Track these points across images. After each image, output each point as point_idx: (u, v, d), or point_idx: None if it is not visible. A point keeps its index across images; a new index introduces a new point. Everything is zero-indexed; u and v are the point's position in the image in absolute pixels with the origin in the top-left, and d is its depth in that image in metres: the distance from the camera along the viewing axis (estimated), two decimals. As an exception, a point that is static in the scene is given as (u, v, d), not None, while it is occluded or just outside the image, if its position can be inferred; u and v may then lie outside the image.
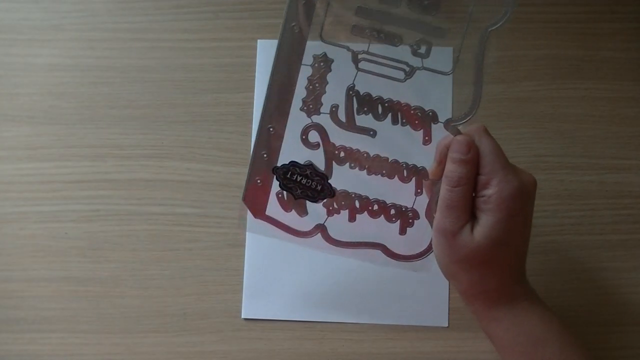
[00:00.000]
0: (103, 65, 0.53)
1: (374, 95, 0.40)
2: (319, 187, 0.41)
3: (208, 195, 0.52)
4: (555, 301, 0.50)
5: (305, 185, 0.41)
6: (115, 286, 0.51)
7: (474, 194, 0.38)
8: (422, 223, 0.42)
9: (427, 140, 0.40)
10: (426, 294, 0.50)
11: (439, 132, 0.40)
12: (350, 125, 0.41)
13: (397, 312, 0.50)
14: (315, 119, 0.41)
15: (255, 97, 0.53)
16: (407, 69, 0.40)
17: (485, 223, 0.37)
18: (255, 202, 0.41)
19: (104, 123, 0.53)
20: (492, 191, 0.37)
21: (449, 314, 0.50)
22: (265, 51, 0.53)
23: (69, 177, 0.52)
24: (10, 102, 0.53)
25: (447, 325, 0.50)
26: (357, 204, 0.41)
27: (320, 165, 0.41)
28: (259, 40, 0.53)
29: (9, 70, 0.53)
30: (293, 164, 0.40)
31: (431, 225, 0.40)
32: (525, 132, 0.52)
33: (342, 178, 0.41)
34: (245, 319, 0.50)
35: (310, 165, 0.40)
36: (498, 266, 0.38)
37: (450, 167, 0.38)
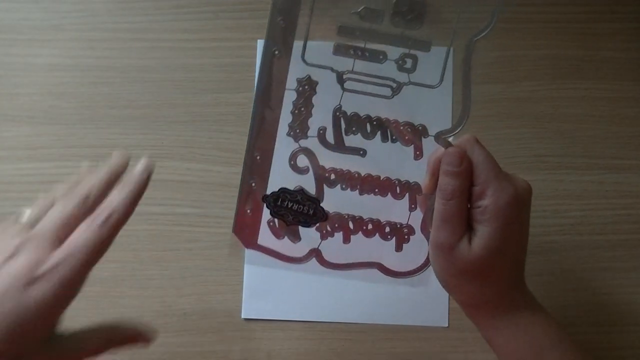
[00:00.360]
0: (103, 65, 0.53)
1: (361, 114, 0.40)
2: (311, 212, 0.40)
3: (208, 195, 0.52)
4: (555, 301, 0.50)
5: (297, 210, 0.40)
6: (115, 286, 0.51)
7: (469, 205, 0.38)
8: (417, 238, 0.41)
9: (418, 155, 0.40)
10: (426, 295, 0.50)
11: (429, 146, 0.39)
12: (339, 146, 0.40)
13: (397, 312, 0.50)
14: (303, 143, 0.40)
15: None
16: (394, 85, 0.39)
17: (483, 234, 0.37)
18: (246, 233, 0.41)
19: (104, 123, 0.53)
20: (488, 201, 0.37)
21: (449, 314, 0.50)
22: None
23: (69, 177, 0.52)
24: (10, 102, 0.53)
25: (447, 325, 0.50)
26: (351, 224, 0.41)
27: (311, 189, 0.40)
28: (259, 40, 0.54)
29: (9, 70, 0.53)
30: (283, 190, 0.40)
31: (427, 240, 0.40)
32: (525, 132, 0.52)
33: (334, 200, 0.40)
34: (245, 319, 0.50)
35: (300, 191, 0.40)
36: (497, 275, 0.38)
37: (443, 180, 0.37)
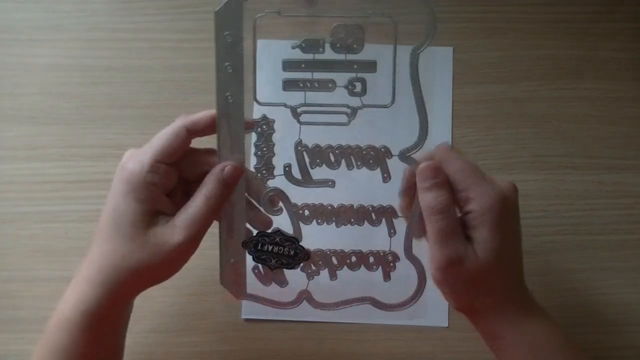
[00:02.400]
0: (103, 65, 0.53)
1: (322, 145, 0.39)
2: (292, 252, 0.40)
3: (208, 195, 0.52)
4: (555, 301, 0.50)
5: (278, 253, 0.40)
6: (115, 286, 0.51)
7: (458, 215, 0.38)
8: (404, 264, 0.41)
9: (386, 177, 0.40)
10: (426, 294, 0.50)
11: (396, 167, 0.39)
12: (307, 181, 0.40)
13: (397, 312, 0.50)
14: (272, 183, 0.40)
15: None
16: (348, 110, 0.39)
17: (482, 237, 0.36)
18: (233, 283, 0.41)
19: (104, 123, 0.53)
20: (475, 205, 0.36)
21: (449, 314, 0.50)
22: (265, 51, 0.53)
23: (69, 177, 0.52)
24: (11, 102, 0.53)
25: (447, 325, 0.50)
26: (334, 260, 0.41)
27: (288, 229, 0.40)
28: (259, 40, 0.53)
29: (9, 70, 0.53)
30: (261, 234, 0.39)
31: (414, 266, 0.40)
32: (525, 132, 0.52)
33: (313, 237, 0.40)
34: (245, 319, 0.50)
35: (277, 232, 0.39)
36: (501, 279, 0.38)
37: (430, 196, 0.37)
